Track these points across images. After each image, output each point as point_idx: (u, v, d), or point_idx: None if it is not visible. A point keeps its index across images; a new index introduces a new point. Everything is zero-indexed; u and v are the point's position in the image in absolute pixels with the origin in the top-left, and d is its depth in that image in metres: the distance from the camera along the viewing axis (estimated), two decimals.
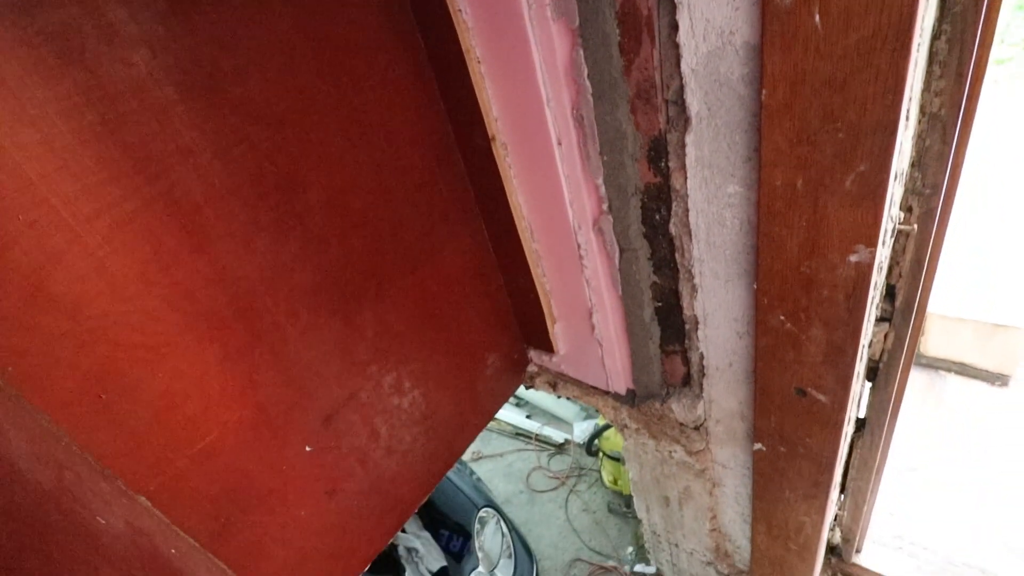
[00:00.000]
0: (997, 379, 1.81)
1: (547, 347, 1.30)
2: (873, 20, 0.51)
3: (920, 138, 0.70)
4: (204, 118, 0.69)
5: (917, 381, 1.85)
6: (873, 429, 1.07)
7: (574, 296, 1.15)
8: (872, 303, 0.78)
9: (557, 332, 1.26)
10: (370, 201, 0.92)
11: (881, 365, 0.95)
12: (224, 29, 0.69)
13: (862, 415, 1.08)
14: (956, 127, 0.69)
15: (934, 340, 1.92)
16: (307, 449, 0.91)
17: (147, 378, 0.69)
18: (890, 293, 0.86)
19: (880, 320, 0.89)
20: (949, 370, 1.88)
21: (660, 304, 1.02)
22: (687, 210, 0.84)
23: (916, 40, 0.52)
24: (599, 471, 3.09)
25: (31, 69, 0.55)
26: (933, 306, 1.98)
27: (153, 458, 0.71)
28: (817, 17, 0.54)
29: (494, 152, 1.00)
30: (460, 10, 0.87)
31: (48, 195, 0.58)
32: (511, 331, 1.32)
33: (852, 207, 0.63)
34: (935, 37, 0.63)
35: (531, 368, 1.44)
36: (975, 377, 1.85)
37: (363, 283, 0.94)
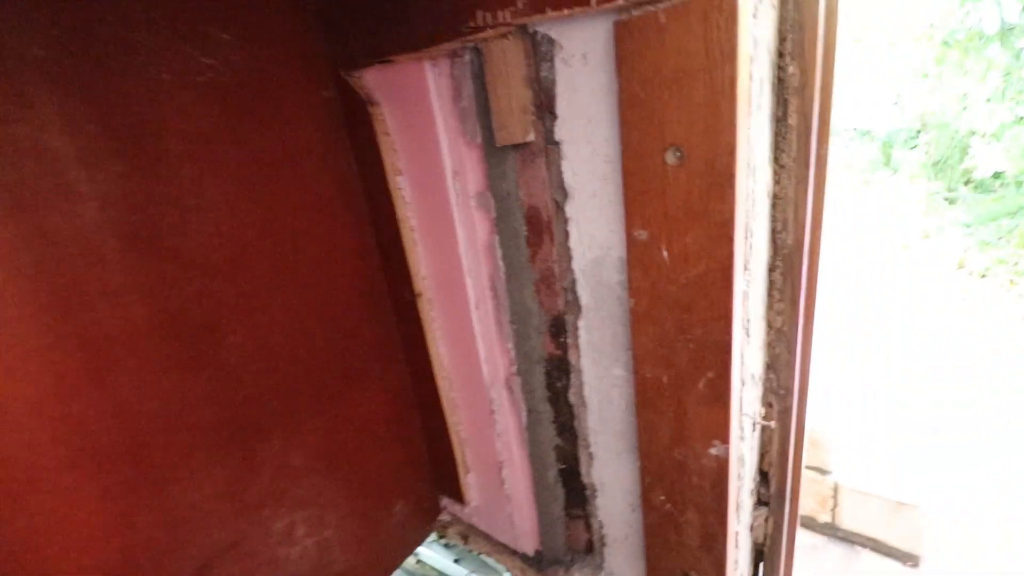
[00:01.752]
0: (908, 559, 1.83)
1: (459, 497, 1.28)
2: (705, 262, 0.64)
3: (770, 347, 0.82)
4: (137, 264, 0.75)
5: (834, 554, 1.86)
6: None
7: (486, 448, 1.17)
8: (741, 490, 0.84)
9: (469, 482, 1.26)
10: (293, 343, 0.96)
11: (766, 549, 0.98)
12: (175, 187, 0.78)
13: None
14: (798, 339, 0.81)
15: (847, 513, 1.97)
16: None
17: (16, 514, 0.66)
18: (765, 478, 0.93)
19: (759, 504, 0.95)
20: (864, 545, 1.90)
21: (563, 467, 1.05)
22: (582, 383, 0.91)
23: (740, 279, 0.65)
24: None
25: None
26: (843, 479, 2.06)
27: None
28: (665, 252, 0.67)
29: (419, 307, 1.08)
30: (400, 188, 1.00)
31: None
32: (423, 478, 1.31)
33: (707, 406, 0.72)
34: (771, 270, 0.78)
35: (444, 517, 1.40)
36: (887, 555, 1.87)
37: (270, 420, 0.95)
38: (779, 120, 0.69)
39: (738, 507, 0.83)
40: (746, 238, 0.65)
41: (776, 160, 0.71)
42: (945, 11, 3.25)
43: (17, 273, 0.64)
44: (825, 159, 0.71)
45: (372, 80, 0.93)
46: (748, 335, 0.73)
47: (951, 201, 6.78)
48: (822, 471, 1.98)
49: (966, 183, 6.70)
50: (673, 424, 0.76)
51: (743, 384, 0.73)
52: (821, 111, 0.68)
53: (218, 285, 0.84)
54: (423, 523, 1.34)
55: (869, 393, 2.69)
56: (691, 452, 0.77)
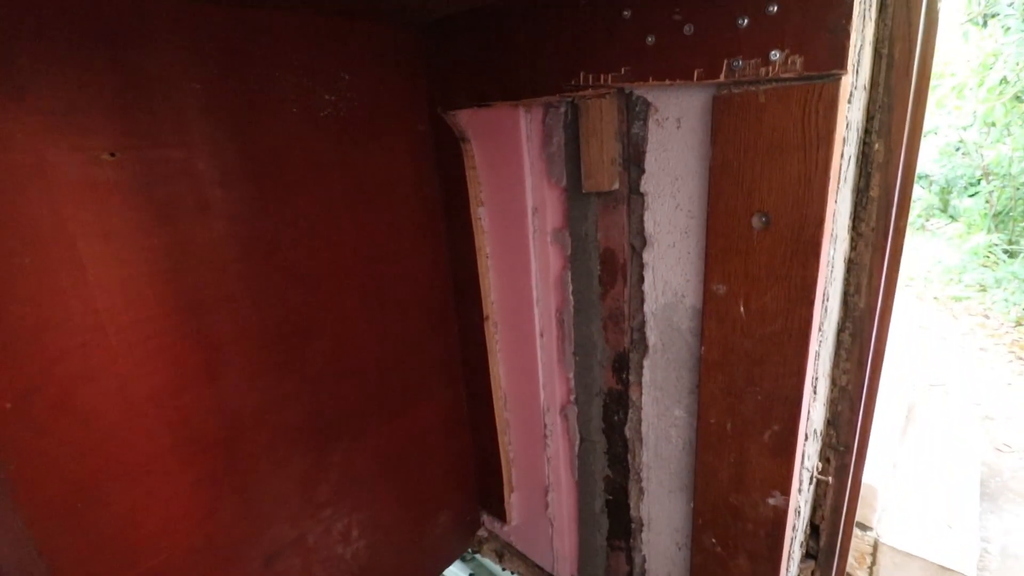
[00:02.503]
0: None
1: (501, 514, 1.33)
2: (782, 321, 0.68)
3: (833, 403, 0.84)
4: (253, 274, 0.83)
5: None
6: None
7: (534, 470, 1.21)
8: (794, 541, 0.85)
9: (513, 502, 1.30)
10: (368, 353, 1.04)
11: None
12: (291, 208, 0.86)
13: None
14: (861, 399, 0.83)
15: (886, 572, 1.92)
16: None
17: (123, 493, 0.74)
18: (815, 532, 0.94)
19: (807, 557, 0.96)
20: None
21: (611, 498, 1.09)
22: (640, 420, 0.95)
23: (815, 339, 0.68)
24: None
25: (136, 226, 0.70)
26: (885, 536, 2.01)
27: (100, 572, 0.73)
28: (742, 308, 0.71)
29: (486, 329, 1.14)
30: (480, 217, 1.07)
31: (106, 323, 0.69)
32: (468, 491, 1.36)
33: (770, 457, 0.75)
34: (840, 331, 0.80)
35: (481, 532, 1.44)
36: None
37: (342, 425, 1.02)
38: (861, 191, 0.72)
39: (788, 557, 0.85)
40: (823, 303, 0.68)
41: (855, 228, 0.74)
42: (1020, 66, 3.17)
43: (157, 277, 0.73)
44: (903, 231, 0.74)
45: (466, 119, 1.00)
46: (815, 392, 0.76)
47: (1012, 254, 6.48)
48: (863, 526, 1.93)
49: None
50: (733, 470, 0.79)
51: (806, 438, 0.76)
52: (903, 186, 0.72)
53: (314, 296, 0.92)
54: (463, 535, 1.39)
55: (920, 450, 2.60)
56: (748, 499, 0.79)
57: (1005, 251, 6.53)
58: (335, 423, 1.00)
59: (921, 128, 0.70)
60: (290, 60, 0.81)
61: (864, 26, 0.63)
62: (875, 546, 2.03)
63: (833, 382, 0.83)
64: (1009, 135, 5.08)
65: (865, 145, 0.70)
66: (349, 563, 1.10)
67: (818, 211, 0.60)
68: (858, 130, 0.68)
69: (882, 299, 0.79)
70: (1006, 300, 5.34)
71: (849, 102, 0.61)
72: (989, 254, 6.53)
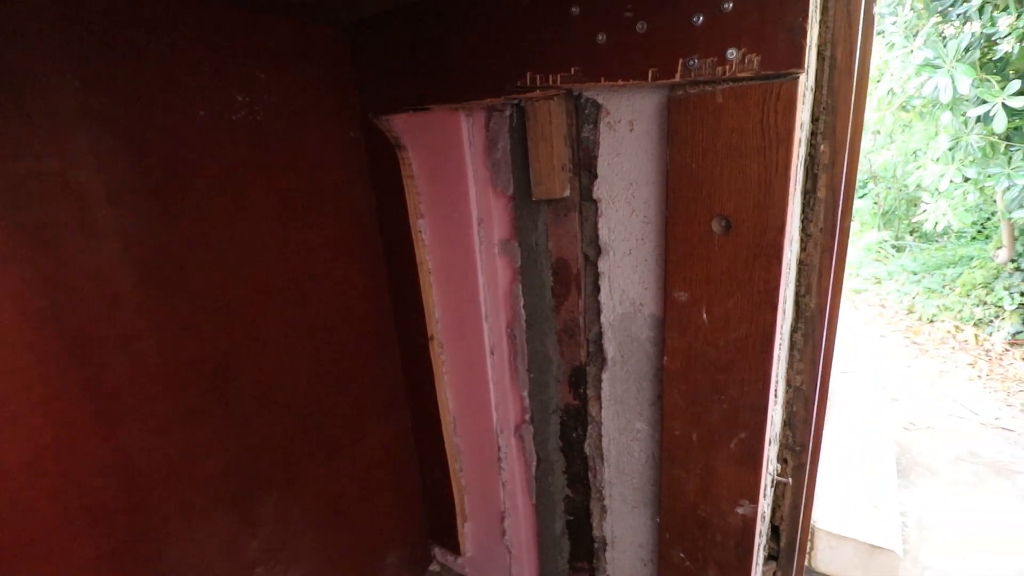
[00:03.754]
0: None
1: (454, 546, 1.24)
2: (746, 327, 0.66)
3: (788, 404, 0.84)
4: (156, 307, 0.71)
5: None
6: None
7: (489, 497, 1.14)
8: (759, 547, 0.84)
9: (466, 532, 1.22)
10: (299, 388, 0.93)
11: None
12: (202, 226, 0.75)
13: None
14: (815, 399, 0.83)
15: (822, 555, 2.02)
16: None
17: None
18: (775, 533, 0.94)
19: (768, 559, 0.95)
20: None
21: (571, 519, 1.04)
22: (600, 435, 0.91)
23: (777, 344, 0.67)
24: None
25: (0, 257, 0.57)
26: (819, 521, 2.11)
27: None
28: (704, 315, 0.68)
29: (431, 349, 1.06)
30: (421, 230, 1.00)
31: None
32: (417, 526, 1.26)
33: (737, 465, 0.73)
34: (793, 332, 0.80)
35: (433, 567, 1.34)
36: None
37: (274, 471, 0.90)
38: (808, 193, 0.73)
39: (755, 564, 0.84)
40: (782, 306, 0.67)
41: (804, 229, 0.74)
42: (904, 78, 3.52)
43: (30, 317, 0.60)
44: (847, 230, 0.75)
45: (401, 124, 0.93)
46: (775, 396, 0.75)
47: (899, 249, 7.22)
48: None
49: (911, 232, 7.16)
50: (700, 481, 0.77)
51: (770, 443, 0.75)
52: (847, 187, 0.73)
53: (234, 326, 0.81)
54: (414, 573, 1.29)
55: (841, 435, 2.78)
56: (717, 510, 0.77)
57: (893, 246, 7.28)
58: (263, 470, 0.89)
59: (862, 129, 0.72)
60: (192, 56, 0.70)
61: (811, 27, 0.63)
62: (812, 531, 2.14)
63: (788, 383, 0.84)
64: (892, 142, 5.66)
65: (812, 147, 0.70)
66: None
67: (779, 214, 0.59)
68: (805, 131, 0.68)
69: (831, 298, 0.79)
70: (898, 291, 5.92)
71: (803, 103, 0.60)
72: (880, 249, 7.25)
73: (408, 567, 1.25)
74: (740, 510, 0.75)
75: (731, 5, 0.55)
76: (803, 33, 0.53)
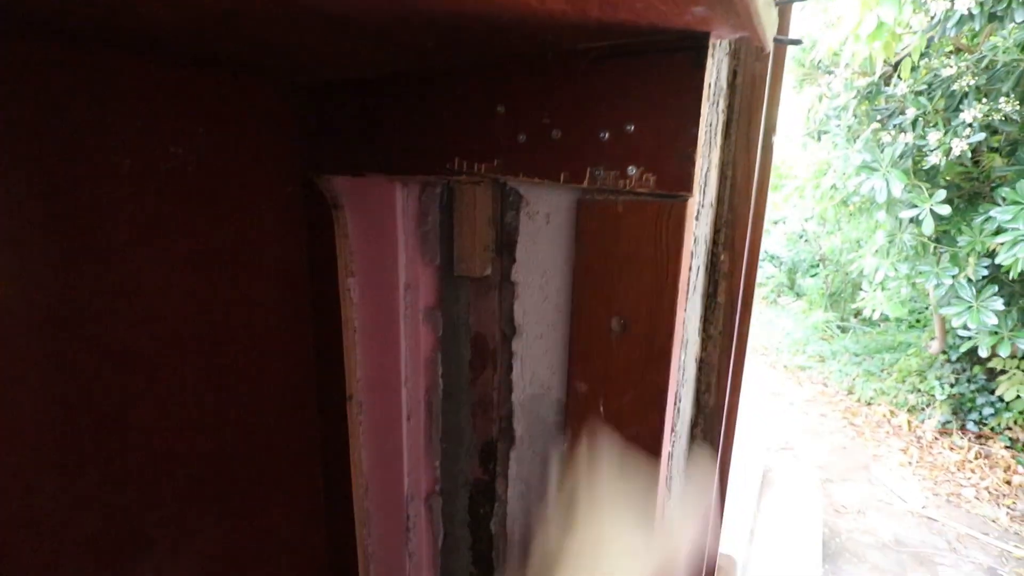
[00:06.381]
0: None
1: None
2: (636, 426, 0.68)
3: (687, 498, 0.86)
4: (43, 351, 0.68)
5: None
6: None
7: (394, 567, 1.10)
8: None
9: None
10: (204, 444, 0.89)
11: None
12: (114, 273, 0.73)
13: None
14: (713, 494, 0.85)
15: None
16: None
17: None
18: None
19: None
20: None
21: None
22: (506, 515, 0.90)
23: (667, 442, 0.69)
24: None
25: None
26: None
27: None
28: (601, 408, 0.70)
29: (349, 409, 1.04)
30: (350, 289, 1.00)
31: None
32: None
33: None
34: (693, 426, 0.83)
35: None
36: None
37: (159, 529, 0.85)
38: (710, 296, 0.77)
39: None
40: (675, 405, 0.70)
41: (704, 330, 0.78)
42: (845, 176, 3.82)
43: None
44: (746, 334, 0.80)
45: (340, 186, 0.95)
46: (669, 490, 0.77)
47: (844, 330, 7.57)
48: None
49: (856, 315, 7.54)
50: None
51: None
52: (745, 293, 0.77)
53: (134, 376, 0.78)
54: None
55: (772, 516, 2.81)
56: None
57: (839, 327, 7.64)
58: (149, 528, 0.83)
59: (760, 241, 0.77)
60: (124, 107, 0.71)
61: (710, 151, 0.68)
62: None
63: (688, 478, 0.85)
64: (839, 229, 6.06)
65: (713, 256, 0.75)
66: None
67: (668, 322, 0.62)
68: (706, 242, 0.73)
69: (729, 396, 0.83)
70: (840, 371, 6.17)
71: (697, 219, 0.65)
72: (826, 329, 7.59)
73: None
74: None
75: (633, 128, 0.60)
76: (692, 162, 0.57)
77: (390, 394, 1.00)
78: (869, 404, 5.41)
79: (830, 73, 4.33)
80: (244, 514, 0.98)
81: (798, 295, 9.43)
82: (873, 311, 4.50)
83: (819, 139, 4.53)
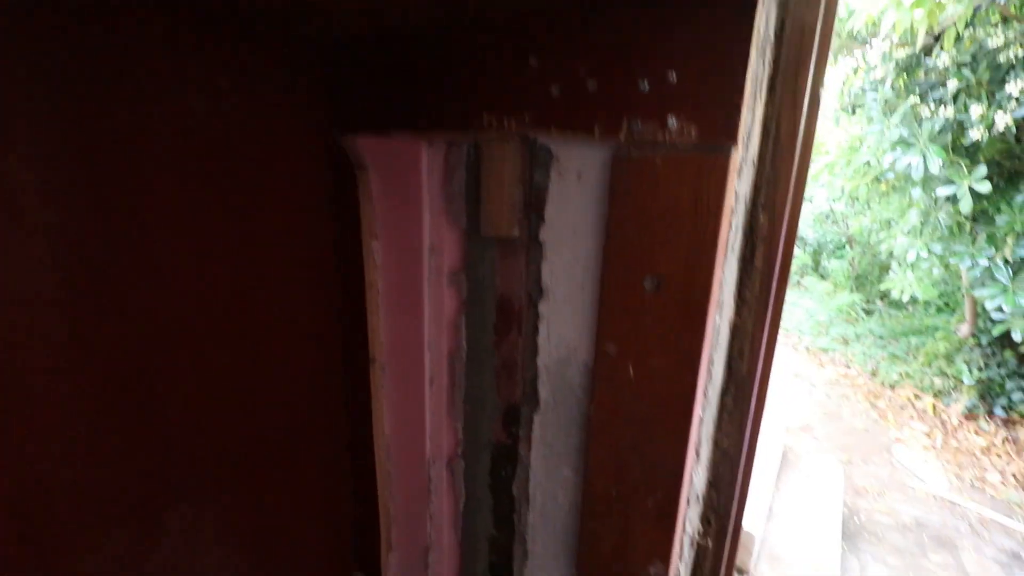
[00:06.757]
0: None
1: (375, 575, 1.20)
2: (668, 386, 0.66)
3: (715, 466, 0.84)
4: (76, 307, 0.69)
5: None
6: None
7: (415, 528, 1.11)
8: None
9: (390, 562, 1.18)
10: (234, 405, 0.90)
11: None
12: (141, 232, 0.73)
13: None
14: (741, 462, 0.84)
15: None
16: None
17: None
18: None
19: None
20: None
21: (495, 560, 1.02)
22: (528, 478, 0.90)
23: (699, 406, 0.67)
24: None
25: None
26: None
27: None
28: (631, 370, 0.69)
29: (372, 373, 1.05)
30: (374, 252, 0.99)
31: None
32: (340, 551, 1.22)
33: (652, 525, 0.72)
34: (724, 394, 0.81)
35: None
36: None
37: (185, 485, 0.86)
38: (746, 260, 0.74)
39: None
40: (708, 368, 0.68)
41: (739, 295, 0.76)
42: (880, 152, 3.67)
43: None
44: (782, 300, 0.77)
45: (364, 146, 0.93)
46: (698, 456, 0.75)
47: (869, 312, 7.40)
48: (741, 571, 2.02)
49: (882, 298, 7.36)
50: (617, 539, 0.76)
51: (688, 504, 0.75)
52: (783, 258, 0.74)
53: (164, 332, 0.78)
54: None
55: (792, 495, 2.80)
56: (628, 571, 0.76)
57: (864, 309, 7.47)
58: (177, 484, 0.85)
59: (801, 204, 0.74)
60: (154, 59, 0.70)
61: (756, 104, 0.65)
62: None
63: (716, 444, 0.84)
64: (869, 209, 5.86)
65: (752, 217, 0.72)
66: None
67: (706, 280, 0.60)
68: (746, 202, 0.70)
69: (762, 364, 0.80)
70: (864, 353, 6.06)
71: (739, 175, 0.62)
72: (851, 311, 7.43)
73: None
74: (653, 570, 0.74)
75: (675, 76, 0.57)
76: (737, 110, 0.54)
77: (414, 357, 1.00)
78: (893, 387, 5.31)
79: (867, 44, 4.13)
80: (270, 476, 1.00)
81: (822, 276, 9.22)
82: (902, 292, 4.38)
83: (853, 113, 4.35)
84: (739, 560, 1.98)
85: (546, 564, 0.91)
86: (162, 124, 0.73)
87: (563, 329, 0.78)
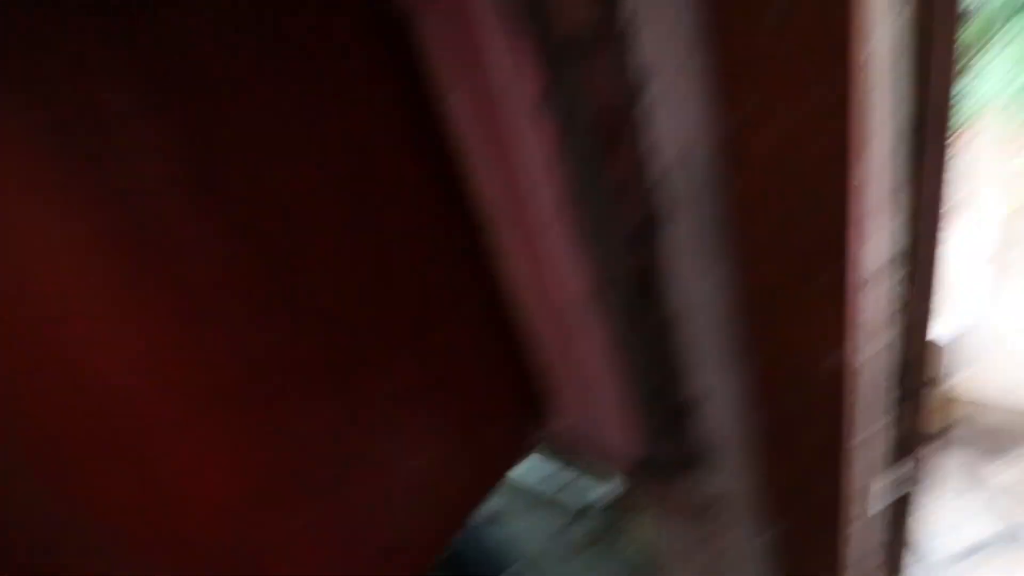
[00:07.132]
0: None
1: (550, 416, 1.30)
2: (817, 145, 0.53)
3: (903, 228, 0.70)
4: (208, 214, 0.75)
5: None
6: None
7: (573, 368, 1.15)
8: (863, 399, 0.75)
9: (560, 402, 1.26)
10: (371, 279, 0.96)
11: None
12: (230, 130, 0.76)
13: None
14: (938, 218, 0.68)
15: (967, 422, 1.80)
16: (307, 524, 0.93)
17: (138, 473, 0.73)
18: (894, 384, 0.83)
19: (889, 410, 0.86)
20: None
21: (658, 379, 1.02)
22: (676, 293, 0.85)
23: (859, 163, 0.54)
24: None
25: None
26: (967, 387, 1.85)
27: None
28: (769, 134, 0.56)
29: (488, 232, 1.04)
30: (454, 104, 0.93)
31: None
32: (514, 396, 1.32)
33: (822, 309, 0.63)
34: (913, 129, 0.64)
35: (536, 436, 1.43)
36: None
37: (361, 354, 0.97)
38: None
39: (852, 421, 0.75)
40: (874, 106, 0.53)
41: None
42: None
43: (99, 231, 0.66)
44: None
45: None
46: (874, 221, 0.62)
47: None
48: (942, 378, 1.80)
49: None
50: (783, 330, 0.69)
51: (866, 281, 0.63)
52: None
53: (291, 225, 0.83)
54: (516, 443, 1.38)
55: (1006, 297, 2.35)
56: (802, 361, 0.69)
57: None
58: (354, 354, 0.96)
59: None
60: None
61: None
62: (956, 397, 1.89)
63: (900, 201, 0.68)
64: None
65: None
66: (402, 493, 1.10)
67: None
68: None
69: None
70: None
71: None
72: None
73: (510, 437, 1.34)
74: (831, 358, 0.66)
75: None
76: None
77: (521, 207, 0.96)
78: None
79: None
80: (426, 339, 1.08)
81: None
82: None
83: None
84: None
85: (711, 372, 0.88)
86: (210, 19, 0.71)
87: (675, 119, 0.67)
